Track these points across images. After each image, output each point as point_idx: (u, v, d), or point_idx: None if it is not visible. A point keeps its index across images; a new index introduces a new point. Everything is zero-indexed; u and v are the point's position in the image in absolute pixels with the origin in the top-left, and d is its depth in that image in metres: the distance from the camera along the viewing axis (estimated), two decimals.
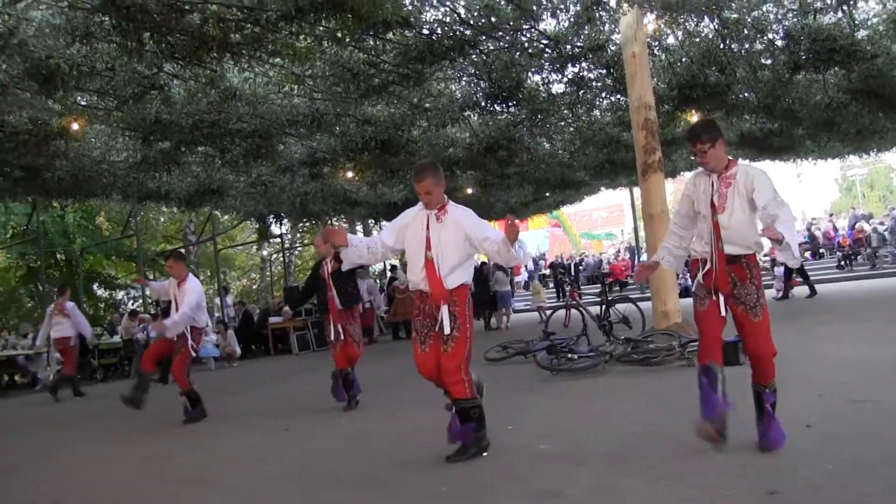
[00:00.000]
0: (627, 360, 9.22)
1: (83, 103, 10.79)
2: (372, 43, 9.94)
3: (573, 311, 13.30)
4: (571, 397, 7.54)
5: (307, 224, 28.98)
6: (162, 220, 30.71)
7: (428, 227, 5.18)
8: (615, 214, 49.57)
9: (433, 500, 4.27)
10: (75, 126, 11.05)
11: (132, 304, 26.65)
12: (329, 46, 9.54)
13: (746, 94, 14.49)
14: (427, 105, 12.77)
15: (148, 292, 9.25)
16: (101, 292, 29.08)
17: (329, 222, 21.36)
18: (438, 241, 5.14)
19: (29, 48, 8.49)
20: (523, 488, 4.27)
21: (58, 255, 26.50)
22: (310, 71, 10.38)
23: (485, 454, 5.15)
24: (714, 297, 4.71)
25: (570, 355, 9.51)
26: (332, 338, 8.09)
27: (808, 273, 18.97)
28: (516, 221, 4.96)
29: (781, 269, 17.90)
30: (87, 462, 6.68)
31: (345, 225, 8.52)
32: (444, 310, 5.09)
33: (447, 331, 5.06)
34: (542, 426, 6.02)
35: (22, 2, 8.09)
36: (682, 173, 24.08)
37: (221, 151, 13.35)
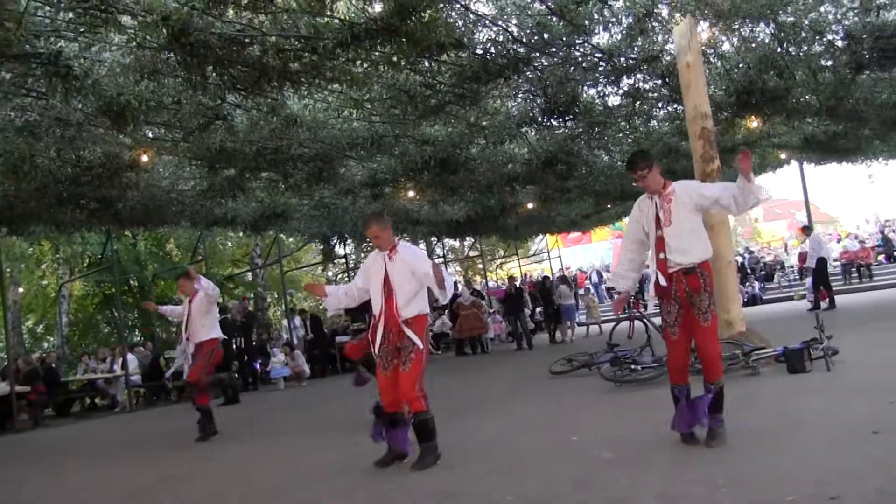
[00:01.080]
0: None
1: (151, 136, 11.17)
2: (427, 65, 10.09)
3: (637, 322, 13.27)
4: (635, 408, 7.56)
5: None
6: (229, 244, 31.34)
7: (385, 267, 6.03)
8: None
9: None
10: (145, 158, 11.47)
11: None
12: (385, 71, 9.72)
13: (808, 97, 14.19)
14: (484, 123, 12.88)
15: (169, 315, 9.88)
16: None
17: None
18: (393, 277, 5.97)
19: (102, 87, 8.85)
20: (591, 495, 4.36)
21: (131, 282, 27.27)
22: (367, 95, 10.57)
23: (439, 462, 5.76)
24: (680, 325, 5.41)
25: (633, 367, 9.53)
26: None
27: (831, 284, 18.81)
28: (436, 264, 5.93)
29: (810, 280, 17.55)
30: (159, 482, 6.91)
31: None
32: (405, 329, 5.87)
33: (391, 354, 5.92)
34: (606, 436, 6.08)
35: (96, 45, 8.46)
36: None
37: (284, 176, 13.65)
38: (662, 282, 5.39)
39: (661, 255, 5.39)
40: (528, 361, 15.24)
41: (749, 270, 28.64)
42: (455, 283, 6.12)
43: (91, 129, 10.34)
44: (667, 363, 5.80)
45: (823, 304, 17.36)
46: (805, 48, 11.99)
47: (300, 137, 11.54)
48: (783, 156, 21.00)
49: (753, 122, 15.01)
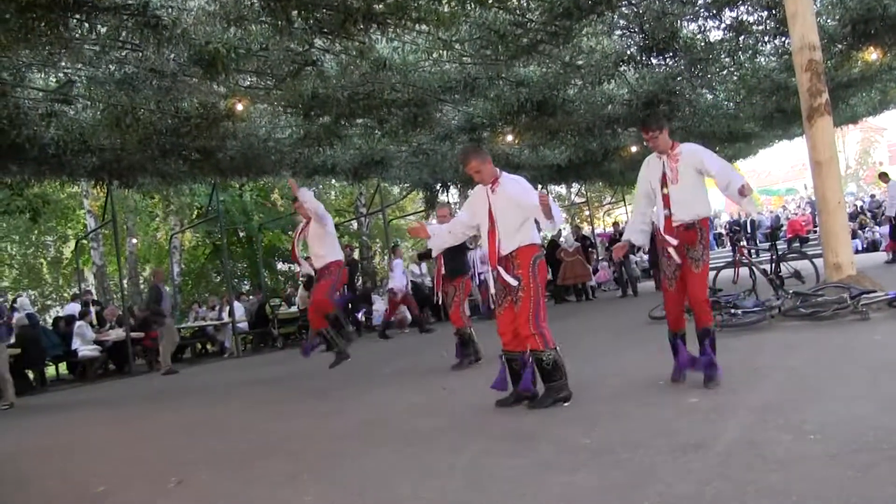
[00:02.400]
0: (796, 314, 8.75)
1: (245, 84, 11.24)
2: (515, 2, 9.80)
3: (743, 267, 12.80)
4: (732, 353, 7.23)
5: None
6: (333, 194, 31.77)
7: (489, 200, 5.87)
8: (797, 169, 46.99)
9: (575, 452, 4.24)
10: (240, 107, 11.59)
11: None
12: (473, 9, 9.48)
13: None
14: (580, 63, 12.44)
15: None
16: (280, 266, 30.50)
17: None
18: (496, 210, 5.82)
19: (190, 36, 8.95)
20: (665, 441, 4.17)
21: (239, 233, 28.01)
22: (456, 35, 10.34)
23: (565, 404, 5.61)
24: (678, 276, 5.76)
25: (734, 311, 9.18)
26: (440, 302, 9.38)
27: None
28: (543, 193, 5.68)
29: (887, 227, 16.18)
30: (264, 419, 7.27)
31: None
32: (500, 271, 5.78)
33: (501, 290, 5.81)
34: (696, 381, 5.81)
35: None
36: (863, 119, 22.36)
37: (380, 122, 13.61)
38: (671, 240, 5.71)
39: (667, 212, 5.75)
40: (631, 308, 14.91)
41: (870, 215, 27.18)
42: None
43: (186, 80, 10.50)
44: (665, 312, 6.08)
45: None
46: None
47: (391, 82, 11.41)
48: None
49: (872, 55, 14.03)
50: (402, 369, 9.65)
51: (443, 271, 9.13)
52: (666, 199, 5.75)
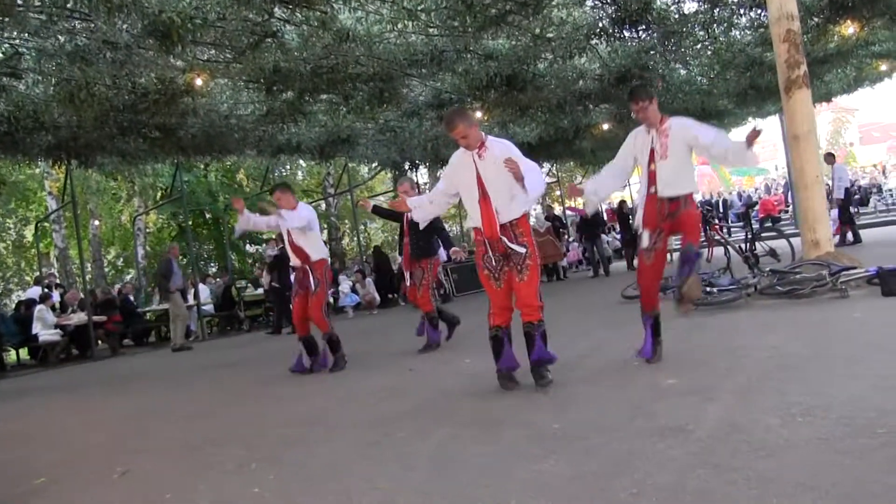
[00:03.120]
0: (772, 292, 8.55)
1: (203, 58, 10.79)
2: None
3: (717, 246, 12.62)
4: (708, 332, 7.05)
5: (443, 170, 28.75)
6: (300, 174, 31.28)
7: (476, 167, 5.39)
8: (768, 150, 47.08)
9: (546, 439, 3.96)
10: (199, 81, 11.15)
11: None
12: None
13: None
14: (550, 35, 12.06)
15: (242, 224, 8.24)
16: (248, 248, 30.02)
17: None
18: (486, 177, 5.35)
19: (143, 5, 8.53)
20: (645, 424, 3.91)
21: (205, 214, 27.47)
22: (422, 5, 9.97)
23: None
24: (658, 248, 5.66)
25: (709, 289, 8.97)
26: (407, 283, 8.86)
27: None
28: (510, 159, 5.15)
29: (836, 212, 16.11)
30: (223, 404, 7.02)
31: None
32: (505, 240, 5.33)
33: (501, 262, 5.41)
34: (672, 362, 5.58)
35: None
36: (837, 97, 22.21)
37: (345, 98, 13.19)
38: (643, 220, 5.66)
39: (652, 189, 5.58)
40: (603, 287, 14.72)
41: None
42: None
43: (141, 53, 10.05)
44: (639, 289, 5.94)
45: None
46: None
47: (356, 54, 11.00)
48: (884, 67, 19.18)
49: (849, 28, 13.78)
50: (368, 351, 9.37)
51: (409, 252, 8.75)
52: (652, 175, 5.57)
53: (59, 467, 5.02)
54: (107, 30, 9.22)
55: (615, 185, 6.12)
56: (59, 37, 9.53)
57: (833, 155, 17.90)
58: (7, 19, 8.53)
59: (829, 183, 16.14)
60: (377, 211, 9.92)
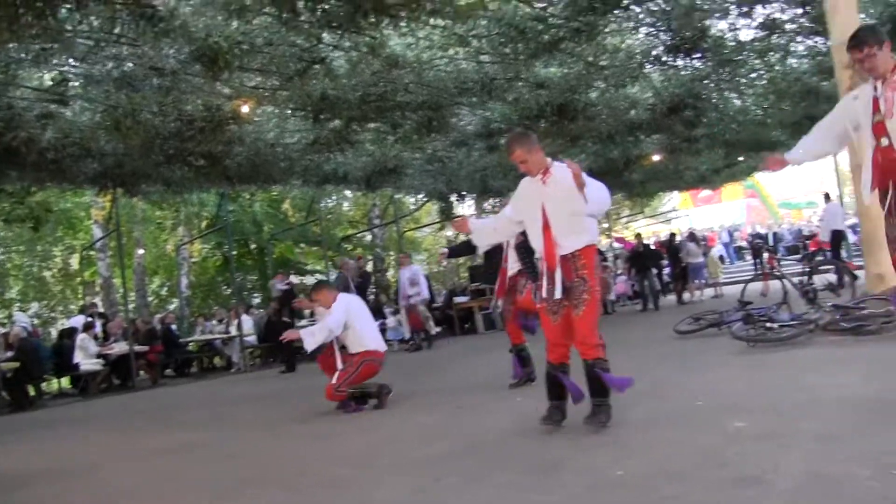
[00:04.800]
0: (836, 329, 8.08)
1: (250, 84, 10.67)
2: None
3: (773, 281, 12.16)
4: (772, 370, 6.63)
5: (493, 202, 28.31)
6: (346, 205, 31.25)
7: (540, 194, 5.09)
8: (816, 183, 46.17)
9: (611, 488, 3.58)
10: (245, 108, 11.05)
11: None
12: (491, 2, 8.91)
13: None
14: (603, 62, 11.81)
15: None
16: (292, 278, 29.96)
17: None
18: (549, 205, 5.03)
19: (189, 29, 8.41)
20: (717, 473, 3.50)
21: (249, 244, 27.47)
22: (473, 31, 9.75)
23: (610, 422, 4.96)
24: None
25: (769, 324, 8.52)
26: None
27: None
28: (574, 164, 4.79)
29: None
30: (263, 440, 6.73)
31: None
32: (558, 274, 4.96)
33: (557, 294, 4.96)
34: (737, 402, 5.15)
35: None
36: None
37: (393, 126, 13.04)
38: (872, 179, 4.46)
39: (885, 141, 4.37)
40: (653, 322, 14.28)
41: None
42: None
43: (188, 79, 9.97)
44: None
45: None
46: None
47: (405, 81, 10.82)
48: None
49: None
50: (413, 388, 9.02)
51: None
52: (880, 126, 4.42)
53: None
54: (153, 55, 9.16)
55: (825, 148, 5.05)
56: (107, 63, 9.49)
57: (829, 195, 17.83)
58: (55, 45, 8.47)
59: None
60: (453, 252, 9.50)
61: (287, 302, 14.92)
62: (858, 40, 4.45)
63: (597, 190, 4.81)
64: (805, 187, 45.31)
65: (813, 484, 3.17)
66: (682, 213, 31.48)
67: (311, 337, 7.41)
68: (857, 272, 11.29)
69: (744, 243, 34.56)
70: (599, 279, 5.08)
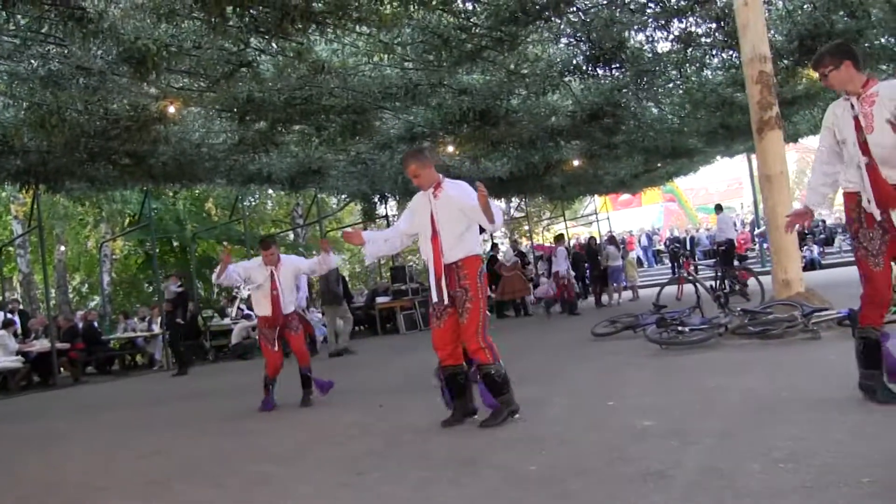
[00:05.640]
0: (744, 332, 8.58)
1: (177, 86, 10.77)
2: (461, 5, 9.55)
3: (687, 284, 12.71)
4: (681, 372, 7.05)
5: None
6: (269, 204, 31.18)
7: (431, 206, 5.58)
8: (734, 187, 47.55)
9: (523, 482, 3.89)
10: (172, 109, 11.13)
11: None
12: (416, 10, 9.20)
13: (884, 40, 13.19)
14: (524, 71, 12.21)
15: (222, 279, 8.29)
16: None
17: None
18: (439, 217, 5.52)
19: (118, 31, 8.51)
20: (623, 469, 3.84)
21: (173, 242, 27.23)
22: (398, 38, 10.04)
23: (516, 416, 5.41)
24: (886, 249, 4.49)
25: (680, 328, 9.01)
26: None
27: None
28: (482, 187, 5.25)
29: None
30: (189, 437, 6.84)
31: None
32: (443, 282, 5.46)
33: (445, 301, 5.45)
34: (647, 403, 5.56)
35: None
36: (804, 137, 22.62)
37: (317, 129, 13.24)
38: (872, 205, 4.46)
39: (867, 159, 4.44)
40: (571, 324, 14.74)
41: (807, 233, 27.47)
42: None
43: (115, 79, 10.02)
44: (862, 300, 4.71)
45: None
46: None
47: (330, 86, 11.06)
48: None
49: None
50: (337, 388, 9.24)
51: None
52: (864, 146, 4.46)
53: None
54: (81, 55, 9.19)
55: (836, 172, 4.81)
56: (33, 61, 9.48)
57: (721, 206, 18.92)
58: None
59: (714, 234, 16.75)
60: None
61: (181, 303, 14.87)
62: (816, 61, 4.75)
63: (497, 211, 5.36)
64: (721, 192, 46.88)
65: (709, 478, 3.50)
66: (603, 217, 32.16)
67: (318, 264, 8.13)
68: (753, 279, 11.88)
69: (662, 247, 35.48)
70: (482, 288, 5.46)
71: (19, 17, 8.21)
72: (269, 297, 7.95)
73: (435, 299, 5.54)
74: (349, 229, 6.79)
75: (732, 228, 18.42)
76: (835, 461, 3.50)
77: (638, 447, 4.27)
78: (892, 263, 4.59)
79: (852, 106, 4.55)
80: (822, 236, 28.84)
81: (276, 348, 8.03)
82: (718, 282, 12.67)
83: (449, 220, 5.49)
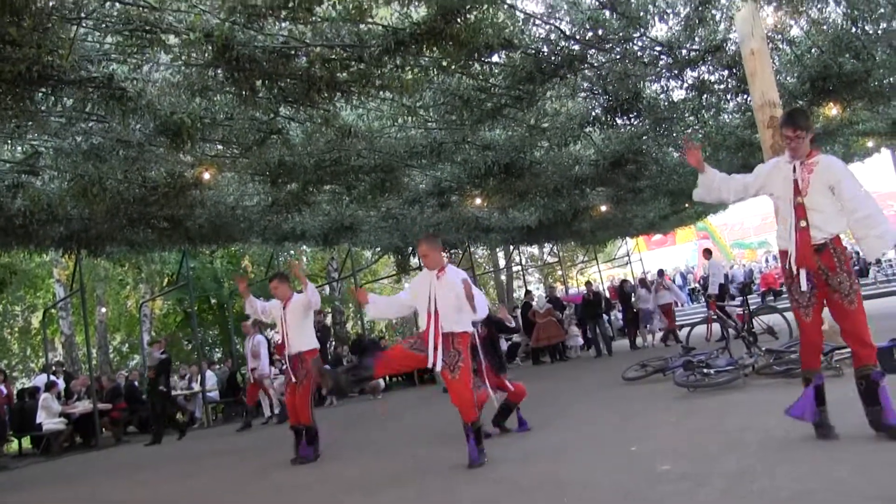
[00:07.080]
0: (769, 372, 8.72)
1: (211, 153, 11.25)
2: (478, 67, 9.92)
3: (716, 324, 12.81)
4: (705, 414, 7.20)
5: (447, 253, 28.95)
6: (304, 259, 31.63)
7: (433, 286, 6.39)
8: (768, 221, 47.30)
9: None
10: (207, 175, 11.58)
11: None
12: (436, 75, 9.60)
13: (891, 79, 13.37)
14: (545, 125, 12.56)
15: (247, 308, 8.86)
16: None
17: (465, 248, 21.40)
18: (438, 297, 6.33)
19: (155, 107, 8.97)
20: None
21: (210, 300, 27.74)
22: (420, 101, 10.45)
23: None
24: (815, 301, 5.05)
25: (706, 370, 9.14)
26: None
27: None
28: (467, 281, 6.28)
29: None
30: (229, 494, 7.08)
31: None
32: (439, 350, 6.21)
33: (439, 366, 6.19)
34: (668, 446, 5.76)
35: (145, 66, 8.54)
36: None
37: (348, 188, 13.65)
38: (793, 263, 5.06)
39: (803, 223, 5.02)
40: (605, 368, 14.87)
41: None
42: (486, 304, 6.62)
43: (152, 150, 10.49)
44: (800, 347, 5.32)
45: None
46: (883, 25, 11.22)
47: (357, 148, 11.47)
48: (870, 143, 19.78)
49: (832, 110, 14.27)
50: (373, 438, 9.49)
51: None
52: (801, 208, 5.04)
53: None
54: (121, 130, 9.66)
55: (740, 188, 5.61)
56: (77, 137, 9.99)
57: (710, 251, 19.07)
58: (30, 123, 8.99)
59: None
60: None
61: (164, 370, 14.62)
62: (794, 121, 5.11)
63: (481, 299, 6.34)
64: (755, 227, 46.52)
65: None
66: (636, 258, 32.20)
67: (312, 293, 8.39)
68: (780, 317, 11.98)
69: (697, 285, 35.36)
70: (468, 353, 6.32)
71: (65, 98, 8.69)
72: (280, 332, 8.48)
73: (430, 365, 6.23)
74: (360, 287, 7.58)
75: (722, 274, 18.55)
76: (836, 500, 3.70)
77: (654, 490, 4.49)
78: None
79: (794, 169, 5.13)
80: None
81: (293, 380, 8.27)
82: (746, 323, 12.73)
83: (447, 301, 6.28)
